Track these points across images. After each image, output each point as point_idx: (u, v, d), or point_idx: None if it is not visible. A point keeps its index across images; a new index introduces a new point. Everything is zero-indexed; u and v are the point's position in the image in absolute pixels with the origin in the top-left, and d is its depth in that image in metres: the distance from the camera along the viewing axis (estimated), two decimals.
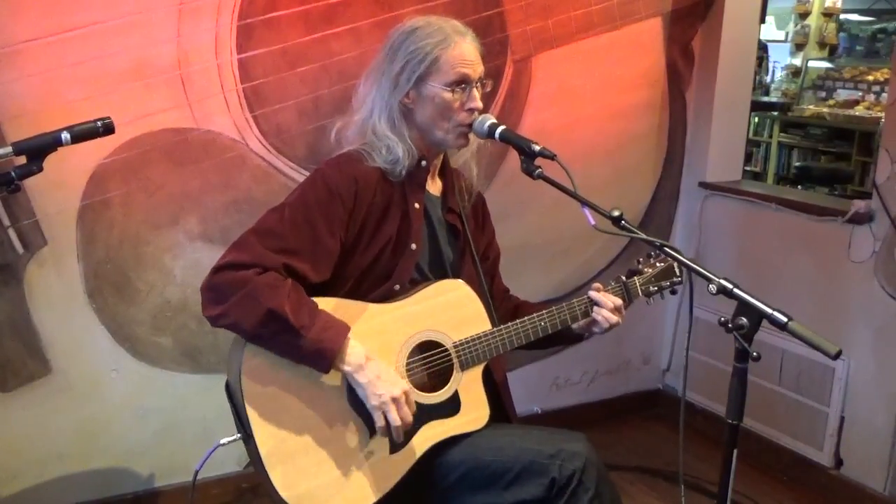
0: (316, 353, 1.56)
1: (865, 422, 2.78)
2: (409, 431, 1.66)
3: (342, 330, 1.60)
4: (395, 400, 1.58)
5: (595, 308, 1.81)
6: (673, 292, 1.92)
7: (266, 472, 1.58)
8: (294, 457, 1.60)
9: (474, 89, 1.71)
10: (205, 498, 2.64)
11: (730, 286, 1.41)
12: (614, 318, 1.81)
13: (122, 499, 2.56)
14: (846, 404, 2.83)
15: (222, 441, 1.68)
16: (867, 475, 2.77)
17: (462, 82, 1.69)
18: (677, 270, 1.90)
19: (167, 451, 2.58)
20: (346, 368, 1.60)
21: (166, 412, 2.57)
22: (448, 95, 1.68)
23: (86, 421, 2.47)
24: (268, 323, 1.55)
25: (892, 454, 2.69)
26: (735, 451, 1.44)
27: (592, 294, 1.82)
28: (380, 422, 1.60)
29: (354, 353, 1.60)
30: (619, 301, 1.83)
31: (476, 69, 1.71)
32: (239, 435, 1.66)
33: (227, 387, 1.68)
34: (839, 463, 2.87)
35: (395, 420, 1.58)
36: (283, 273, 1.61)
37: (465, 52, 1.69)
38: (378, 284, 1.73)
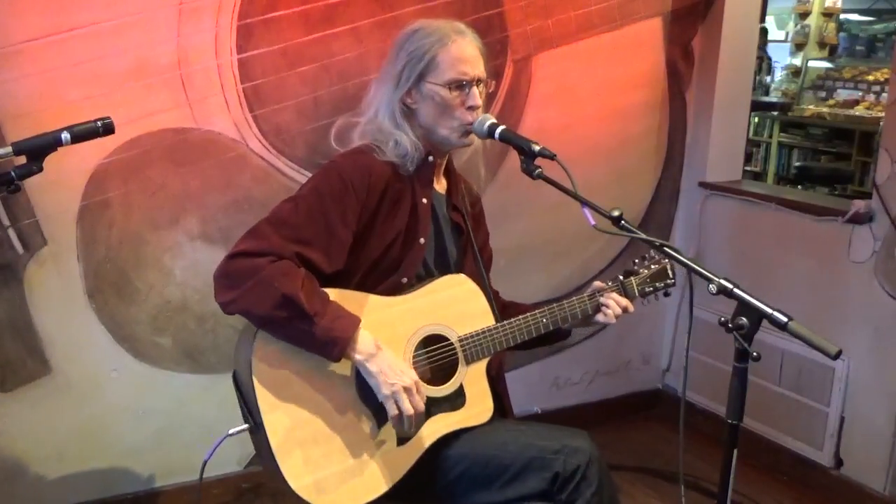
0: (328, 340, 1.57)
1: (865, 422, 2.78)
2: (417, 423, 1.67)
3: (354, 319, 1.61)
4: (406, 389, 1.59)
5: (603, 308, 1.84)
6: (666, 294, 1.95)
7: (276, 461, 1.58)
8: (304, 447, 1.60)
9: (474, 87, 1.72)
10: (205, 498, 2.63)
11: (730, 286, 1.41)
12: (614, 320, 1.84)
13: (122, 499, 2.56)
14: (846, 404, 2.83)
15: (230, 431, 1.68)
16: (867, 475, 2.77)
17: (460, 80, 1.70)
18: (670, 273, 1.94)
19: (167, 451, 2.58)
20: (357, 357, 1.61)
21: (166, 412, 2.57)
22: (446, 93, 1.70)
23: (86, 421, 2.47)
24: (282, 309, 1.56)
25: (892, 454, 2.69)
26: (735, 451, 1.44)
27: (603, 300, 1.85)
28: (392, 411, 1.60)
29: (365, 342, 1.61)
30: (625, 303, 1.85)
31: (475, 67, 1.72)
32: (247, 425, 1.66)
33: (235, 377, 1.69)
34: (839, 463, 2.87)
35: (408, 409, 1.59)
36: (296, 262, 1.62)
37: (463, 50, 1.71)
38: (386, 277, 1.75)
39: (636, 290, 1.90)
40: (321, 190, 1.68)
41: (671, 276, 1.93)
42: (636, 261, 1.94)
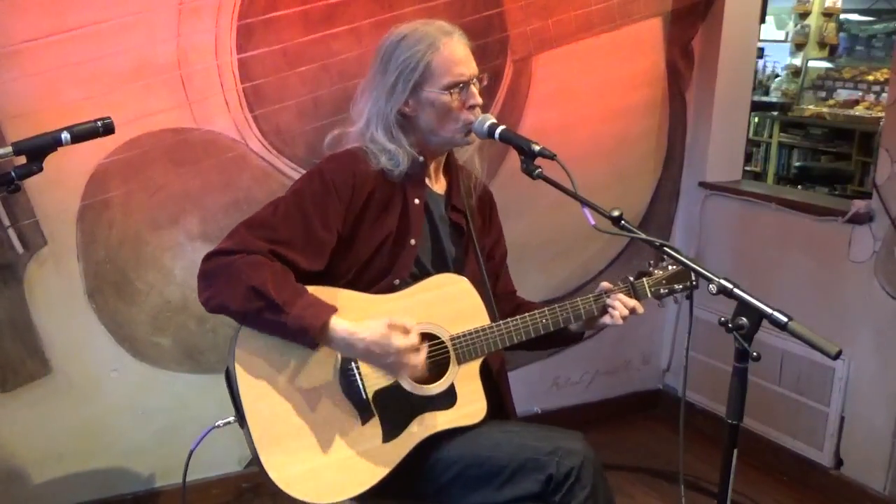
0: (299, 329, 1.57)
1: (865, 422, 2.78)
2: (404, 421, 1.68)
3: (327, 307, 1.60)
4: (399, 364, 1.60)
5: (609, 310, 1.80)
6: (688, 297, 1.88)
7: (257, 453, 1.60)
8: (285, 439, 1.61)
9: (472, 86, 1.72)
10: (205, 498, 2.64)
11: (730, 286, 1.41)
12: (621, 322, 1.81)
13: (121, 499, 2.56)
14: (846, 404, 2.83)
15: (218, 423, 1.70)
16: (867, 475, 2.77)
17: (458, 82, 1.70)
18: (692, 274, 1.87)
19: (167, 451, 2.58)
20: (334, 345, 1.61)
21: (166, 412, 2.57)
22: (446, 98, 1.70)
23: (86, 421, 2.47)
24: (251, 300, 1.56)
25: (892, 454, 2.69)
26: (735, 451, 1.43)
27: (609, 301, 1.81)
28: (402, 382, 1.66)
29: (339, 330, 1.59)
30: (633, 304, 1.81)
31: (469, 66, 1.72)
32: (233, 418, 1.67)
33: (226, 372, 1.69)
34: (839, 463, 2.87)
35: (412, 375, 1.64)
36: (269, 258, 1.63)
37: (454, 51, 1.71)
38: (378, 279, 1.74)
39: (648, 291, 1.85)
40: (303, 191, 1.69)
41: (693, 277, 1.86)
42: (651, 262, 1.90)
